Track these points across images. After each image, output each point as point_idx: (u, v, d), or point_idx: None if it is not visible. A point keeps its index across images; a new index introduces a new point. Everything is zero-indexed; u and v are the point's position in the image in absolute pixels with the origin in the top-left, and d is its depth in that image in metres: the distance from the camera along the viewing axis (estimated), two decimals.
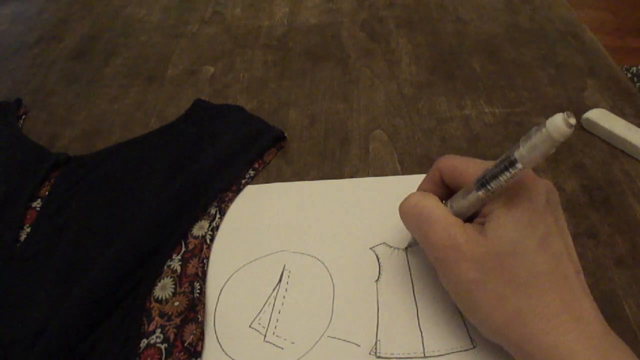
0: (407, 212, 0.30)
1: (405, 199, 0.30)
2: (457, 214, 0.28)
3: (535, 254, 0.25)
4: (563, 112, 0.22)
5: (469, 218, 0.28)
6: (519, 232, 0.25)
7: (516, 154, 0.24)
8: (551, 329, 0.24)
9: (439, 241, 0.27)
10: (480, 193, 0.26)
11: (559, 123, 0.21)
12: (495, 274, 0.25)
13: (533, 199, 0.26)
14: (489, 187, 0.26)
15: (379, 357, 0.30)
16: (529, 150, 0.23)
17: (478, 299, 0.26)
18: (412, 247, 0.35)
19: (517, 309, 0.25)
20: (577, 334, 0.24)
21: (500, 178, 0.25)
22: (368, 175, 0.42)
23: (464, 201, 0.28)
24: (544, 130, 0.22)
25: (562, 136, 0.21)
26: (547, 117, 0.22)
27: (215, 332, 0.32)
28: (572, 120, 0.21)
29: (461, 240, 0.26)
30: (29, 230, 0.39)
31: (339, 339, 0.31)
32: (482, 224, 0.27)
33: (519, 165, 0.24)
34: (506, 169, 0.24)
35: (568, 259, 0.26)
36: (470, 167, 0.29)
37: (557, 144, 0.22)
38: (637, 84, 1.56)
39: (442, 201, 0.29)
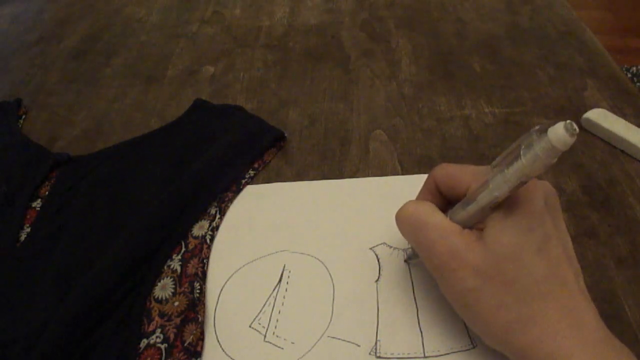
0: (404, 220, 0.29)
1: (401, 208, 0.30)
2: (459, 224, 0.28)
3: (534, 259, 0.25)
4: (565, 120, 0.21)
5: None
6: (517, 237, 0.25)
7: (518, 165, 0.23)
8: (551, 336, 0.24)
9: (437, 249, 0.27)
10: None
11: (560, 132, 0.21)
12: (494, 281, 0.25)
13: (531, 203, 0.25)
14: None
15: (379, 357, 0.30)
16: (530, 160, 0.22)
17: (477, 307, 0.26)
18: (413, 260, 0.35)
19: (516, 316, 0.25)
20: (576, 339, 0.24)
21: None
22: (368, 175, 0.42)
23: (464, 212, 0.27)
24: (546, 140, 0.21)
25: (565, 145, 0.21)
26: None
27: (215, 332, 0.32)
28: (575, 128, 0.21)
29: (459, 248, 0.26)
30: (29, 230, 0.39)
31: (339, 339, 0.31)
32: (481, 229, 0.27)
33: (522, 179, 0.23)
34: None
35: (567, 264, 0.25)
36: (464, 175, 0.29)
37: (559, 153, 0.21)
38: (637, 84, 1.56)
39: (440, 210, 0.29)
